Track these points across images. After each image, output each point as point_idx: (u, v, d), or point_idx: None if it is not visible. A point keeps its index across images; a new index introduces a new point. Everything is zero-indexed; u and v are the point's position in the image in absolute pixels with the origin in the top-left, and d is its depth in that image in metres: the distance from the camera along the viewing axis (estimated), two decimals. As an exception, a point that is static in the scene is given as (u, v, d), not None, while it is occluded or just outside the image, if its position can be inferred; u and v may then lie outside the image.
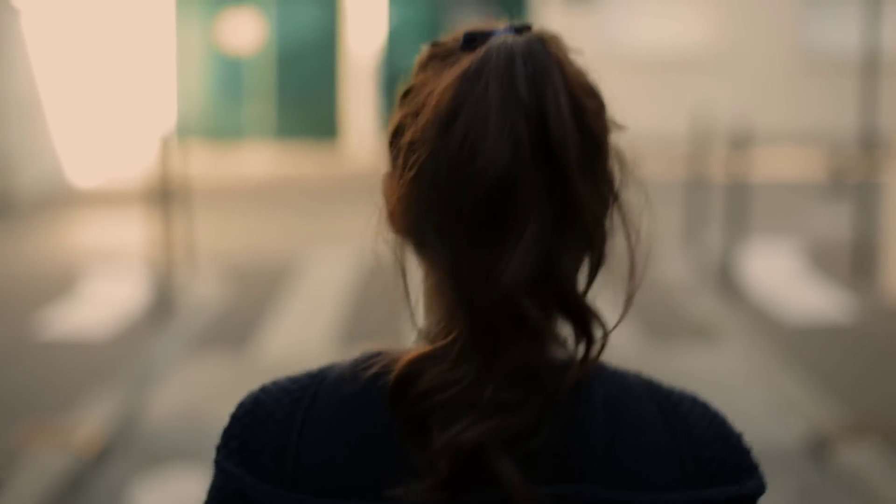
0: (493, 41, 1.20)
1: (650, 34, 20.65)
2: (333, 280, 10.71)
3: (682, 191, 12.86)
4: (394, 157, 1.25)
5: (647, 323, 8.95)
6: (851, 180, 15.51)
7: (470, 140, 1.16)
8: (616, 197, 1.22)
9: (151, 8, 19.55)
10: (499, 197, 1.16)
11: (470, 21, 1.26)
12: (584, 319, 1.21)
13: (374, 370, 1.22)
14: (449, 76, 1.20)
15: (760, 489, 1.26)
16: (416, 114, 1.22)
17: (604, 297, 1.27)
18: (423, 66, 1.27)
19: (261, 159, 19.58)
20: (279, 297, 10.05)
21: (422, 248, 1.24)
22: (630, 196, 1.23)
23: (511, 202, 1.16)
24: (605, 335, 1.22)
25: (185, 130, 19.37)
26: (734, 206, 10.64)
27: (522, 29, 1.23)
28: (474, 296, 1.17)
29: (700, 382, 6.83)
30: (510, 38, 1.20)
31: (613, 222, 1.23)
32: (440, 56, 1.25)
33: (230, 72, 20.44)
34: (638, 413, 1.24)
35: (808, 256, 11.46)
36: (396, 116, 1.26)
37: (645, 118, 20.33)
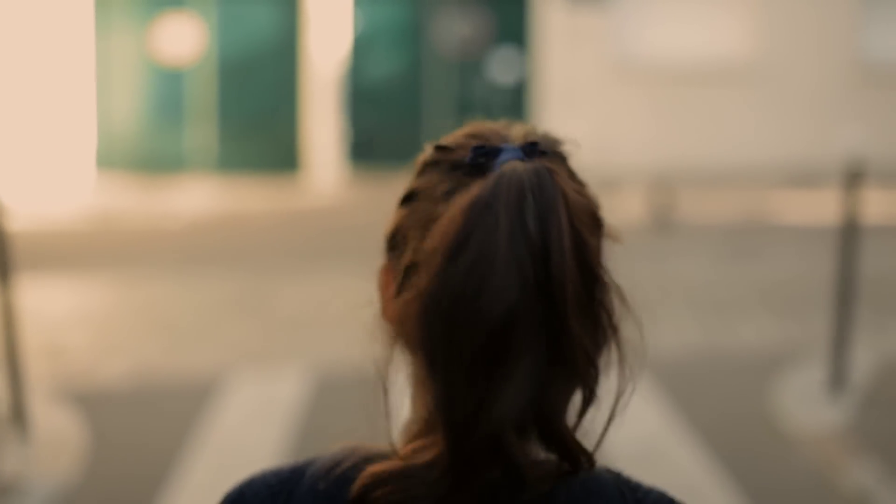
0: (504, 170, 1.25)
1: (672, 41, 18.68)
2: (272, 438, 6.75)
3: (741, 243, 9.15)
4: (391, 258, 1.33)
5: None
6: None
7: (477, 273, 1.21)
8: (615, 330, 1.27)
9: (65, 10, 17.24)
10: (500, 334, 1.21)
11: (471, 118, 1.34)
12: (569, 453, 1.26)
13: (344, 466, 1.30)
14: (458, 204, 1.25)
15: None
16: (421, 227, 1.28)
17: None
18: (426, 169, 1.32)
19: (199, 197, 16.66)
20: (172, 472, 6.06)
21: (414, 355, 1.28)
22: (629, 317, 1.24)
23: (509, 339, 1.21)
24: (591, 462, 1.27)
25: (106, 160, 17.65)
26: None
27: (530, 148, 1.30)
28: (462, 429, 1.21)
29: None
30: (520, 166, 1.26)
31: (610, 356, 1.27)
32: (446, 166, 1.31)
33: (163, 88, 18.05)
34: None
35: None
36: (396, 219, 1.33)
37: (669, 141, 17.81)
